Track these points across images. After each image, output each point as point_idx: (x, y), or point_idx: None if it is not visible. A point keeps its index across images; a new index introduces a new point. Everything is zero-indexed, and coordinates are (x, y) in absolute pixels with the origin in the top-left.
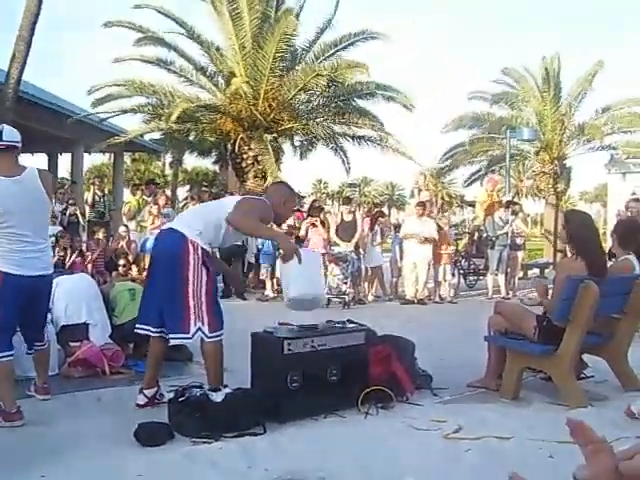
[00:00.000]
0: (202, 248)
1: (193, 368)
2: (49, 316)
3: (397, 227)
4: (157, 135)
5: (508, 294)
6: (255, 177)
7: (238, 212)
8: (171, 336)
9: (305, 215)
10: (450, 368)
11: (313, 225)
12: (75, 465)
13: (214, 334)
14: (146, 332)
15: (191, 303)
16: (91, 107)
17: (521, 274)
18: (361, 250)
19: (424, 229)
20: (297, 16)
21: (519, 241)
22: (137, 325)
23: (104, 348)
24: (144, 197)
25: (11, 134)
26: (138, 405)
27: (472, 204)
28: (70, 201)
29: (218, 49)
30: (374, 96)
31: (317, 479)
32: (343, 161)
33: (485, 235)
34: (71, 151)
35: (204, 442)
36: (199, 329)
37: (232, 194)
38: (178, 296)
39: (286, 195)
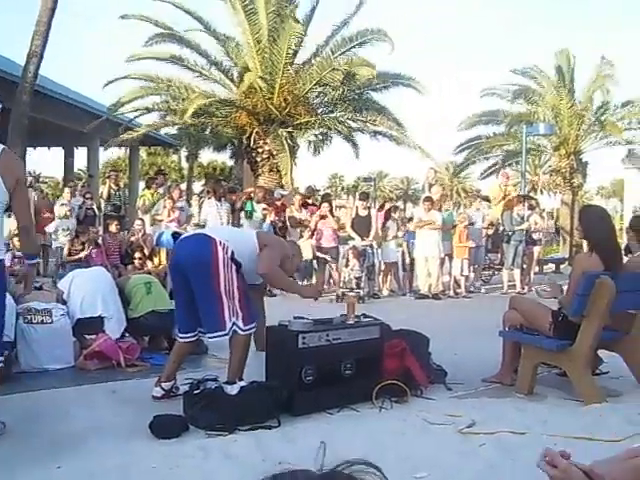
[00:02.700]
0: (229, 247)
1: (208, 361)
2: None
3: (410, 220)
4: (173, 130)
5: (523, 289)
6: (270, 171)
7: (266, 262)
8: (209, 336)
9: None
10: (465, 363)
11: (322, 217)
12: (90, 456)
13: (248, 327)
14: (189, 340)
15: (224, 300)
16: (109, 112)
17: (537, 269)
18: (375, 245)
19: (431, 219)
20: (312, 11)
21: (536, 236)
22: (180, 335)
23: (120, 341)
24: (158, 190)
25: None
26: (154, 397)
27: (487, 199)
28: (87, 195)
29: (237, 45)
30: (388, 88)
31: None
32: (356, 154)
33: (502, 229)
34: (87, 145)
35: (218, 435)
36: (234, 324)
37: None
38: (211, 295)
39: (294, 250)
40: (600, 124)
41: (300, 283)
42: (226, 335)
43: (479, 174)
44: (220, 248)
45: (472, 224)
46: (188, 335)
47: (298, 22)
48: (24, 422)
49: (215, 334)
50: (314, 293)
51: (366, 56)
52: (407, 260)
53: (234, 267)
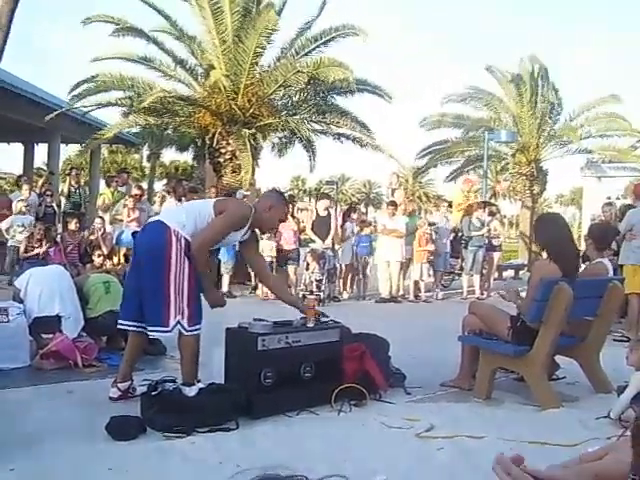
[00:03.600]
0: (185, 239)
1: (166, 362)
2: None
3: (369, 225)
4: (135, 128)
5: (483, 294)
6: (233, 172)
7: (198, 239)
8: (150, 329)
9: None
10: (423, 367)
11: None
12: (45, 458)
13: (193, 328)
14: (128, 328)
15: (172, 296)
16: (70, 102)
17: (496, 275)
18: (337, 246)
19: (396, 227)
20: (279, 12)
21: (495, 242)
22: (119, 321)
23: (77, 341)
24: (118, 188)
25: None
26: (111, 398)
27: (450, 204)
28: (47, 192)
29: (200, 45)
30: (353, 93)
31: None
32: (310, 158)
33: (460, 235)
34: (48, 141)
35: (176, 437)
36: (178, 322)
37: (216, 189)
38: (159, 288)
39: (273, 201)
40: (558, 132)
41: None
42: (168, 333)
43: (443, 179)
44: (175, 239)
45: (436, 231)
46: (130, 324)
47: (276, 13)
48: None
49: (156, 328)
50: (218, 301)
51: (335, 55)
52: (355, 264)
53: (187, 261)
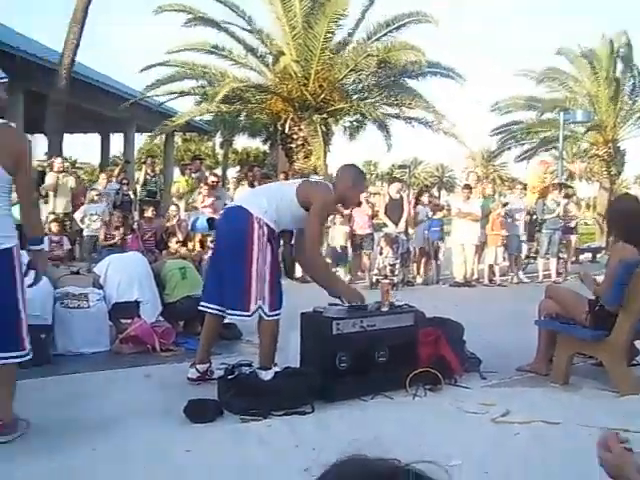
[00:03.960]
0: (267, 225)
1: (242, 346)
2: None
3: (442, 209)
4: (208, 116)
5: (559, 278)
6: (305, 157)
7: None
8: (229, 312)
9: None
10: (499, 352)
11: (357, 204)
12: (125, 439)
13: (273, 313)
14: (208, 310)
15: (254, 281)
16: (144, 91)
17: (573, 258)
18: (410, 230)
19: (471, 210)
20: None
21: (572, 224)
22: (201, 303)
23: (155, 325)
24: (192, 175)
25: None
26: (190, 379)
27: (525, 186)
28: (124, 180)
29: (268, 35)
30: (425, 76)
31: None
32: (385, 137)
33: (535, 218)
34: (123, 131)
35: (252, 420)
36: (259, 307)
37: (285, 174)
38: (240, 274)
39: (353, 178)
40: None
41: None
42: (249, 317)
43: (513, 159)
44: (257, 225)
45: (510, 214)
46: (211, 306)
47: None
48: (60, 405)
49: (236, 312)
50: (356, 296)
51: (406, 38)
52: (427, 248)
53: (269, 247)
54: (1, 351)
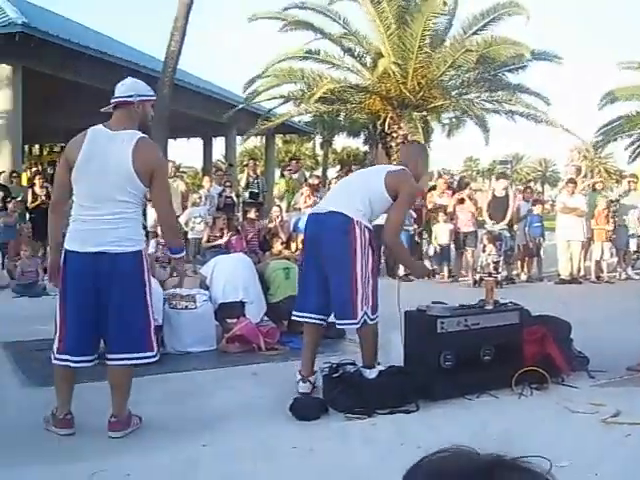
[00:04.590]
0: (367, 228)
1: (345, 345)
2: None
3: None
4: (308, 117)
5: None
6: None
7: (390, 230)
8: (338, 323)
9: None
10: (608, 350)
11: (460, 201)
12: (233, 436)
13: (375, 316)
14: (309, 320)
15: (360, 287)
16: (247, 99)
17: None
18: (515, 227)
19: (576, 205)
20: None
21: None
22: (294, 312)
23: (260, 325)
24: (292, 176)
25: (119, 89)
26: (302, 394)
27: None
28: (227, 183)
29: (365, 37)
30: (525, 69)
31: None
32: (483, 131)
33: None
34: (224, 135)
35: (357, 418)
36: (365, 313)
37: None
38: (348, 284)
39: (418, 153)
40: None
41: (434, 267)
42: (356, 325)
43: (627, 154)
44: (359, 231)
45: (616, 208)
46: (312, 316)
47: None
48: (169, 402)
49: (345, 322)
50: (424, 270)
51: (501, 31)
52: (530, 245)
53: (370, 251)
54: (133, 352)
